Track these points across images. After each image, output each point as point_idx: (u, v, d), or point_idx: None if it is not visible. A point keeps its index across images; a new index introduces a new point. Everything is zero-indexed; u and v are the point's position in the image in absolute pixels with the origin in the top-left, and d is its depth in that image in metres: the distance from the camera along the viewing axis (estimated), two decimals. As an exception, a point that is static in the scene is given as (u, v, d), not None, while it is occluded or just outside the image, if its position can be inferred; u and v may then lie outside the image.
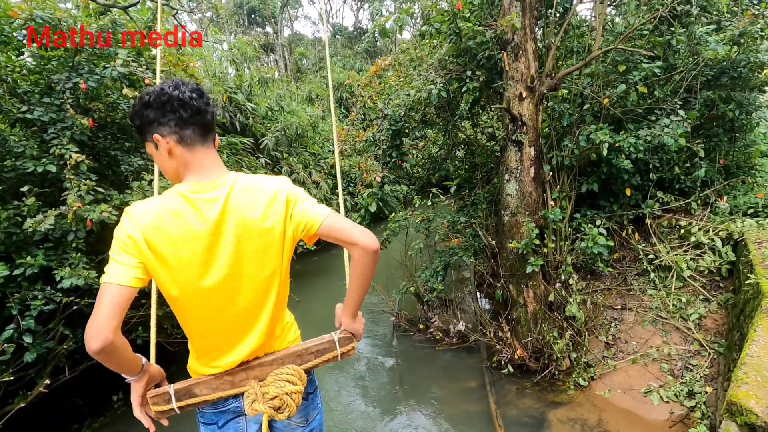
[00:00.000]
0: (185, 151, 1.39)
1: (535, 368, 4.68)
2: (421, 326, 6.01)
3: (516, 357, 4.73)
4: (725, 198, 5.74)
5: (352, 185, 12.81)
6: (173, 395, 1.43)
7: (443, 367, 5.37)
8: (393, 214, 5.90)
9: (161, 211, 1.32)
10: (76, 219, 3.67)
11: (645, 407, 4.03)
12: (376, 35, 5.10)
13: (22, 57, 4.71)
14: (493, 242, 5.19)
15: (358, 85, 6.16)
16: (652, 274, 5.23)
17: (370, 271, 1.45)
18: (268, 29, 31.02)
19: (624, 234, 5.37)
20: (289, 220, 1.41)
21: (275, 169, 11.48)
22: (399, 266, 6.67)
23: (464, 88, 4.90)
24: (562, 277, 4.81)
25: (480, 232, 5.28)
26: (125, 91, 4.44)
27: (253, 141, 11.21)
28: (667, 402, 4.00)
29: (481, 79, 4.96)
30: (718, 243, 5.12)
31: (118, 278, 1.26)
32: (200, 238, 1.33)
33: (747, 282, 3.93)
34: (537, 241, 4.60)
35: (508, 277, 4.95)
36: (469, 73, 4.95)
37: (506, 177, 4.91)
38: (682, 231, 5.50)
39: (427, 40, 5.52)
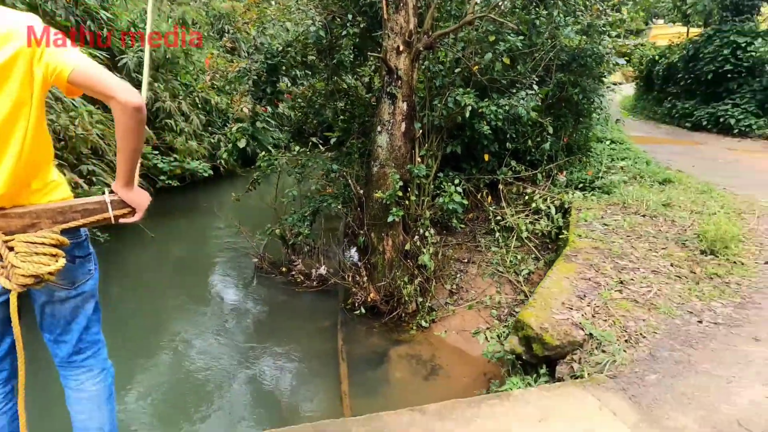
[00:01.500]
0: None
1: (385, 310, 5.03)
2: (284, 269, 6.03)
3: (369, 300, 5.02)
4: (564, 173, 6.60)
5: (228, 124, 12.03)
6: None
7: (301, 309, 5.50)
8: (262, 153, 5.71)
9: None
10: None
11: (472, 346, 4.60)
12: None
13: None
14: (361, 192, 5.33)
15: (237, 13, 5.69)
16: (498, 234, 5.85)
17: (133, 131, 1.36)
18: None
19: (479, 196, 5.91)
20: (38, 61, 1.28)
21: (137, 94, 10.24)
22: (269, 209, 6.55)
23: (344, 33, 4.82)
24: (420, 230, 5.16)
25: (350, 181, 5.39)
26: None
27: (109, 57, 9.79)
28: (488, 341, 4.62)
29: (361, 26, 4.92)
30: (553, 210, 5.89)
31: None
32: None
33: (560, 237, 4.64)
34: (400, 194, 4.84)
35: (371, 225, 5.16)
36: (350, 17, 4.87)
37: (378, 129, 5.03)
38: (527, 198, 6.23)
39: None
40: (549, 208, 5.98)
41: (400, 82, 4.87)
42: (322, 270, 5.62)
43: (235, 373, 4.35)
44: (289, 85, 6.94)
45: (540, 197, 6.14)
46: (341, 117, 6.14)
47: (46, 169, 1.47)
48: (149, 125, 9.95)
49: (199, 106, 11.21)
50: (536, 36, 5.69)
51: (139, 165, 1.56)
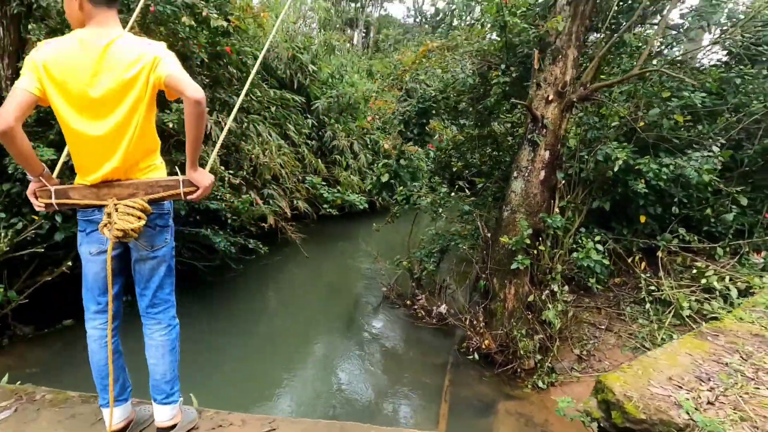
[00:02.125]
0: (92, 8, 1.72)
1: (499, 361, 4.77)
2: (408, 302, 6.20)
3: (483, 346, 4.84)
4: (763, 253, 5.44)
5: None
6: (53, 193, 1.82)
7: (416, 342, 5.56)
8: (401, 188, 6.08)
9: (59, 47, 1.69)
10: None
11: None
12: (447, 22, 5.24)
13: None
14: (489, 235, 5.27)
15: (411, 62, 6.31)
16: (648, 305, 5.13)
17: (196, 120, 1.71)
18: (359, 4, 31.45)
19: (631, 260, 5.29)
20: (152, 71, 1.72)
21: (319, 133, 11.86)
22: (403, 241, 6.88)
23: (494, 81, 4.97)
24: (550, 284, 4.85)
25: (479, 223, 5.37)
26: (184, 18, 4.83)
27: (306, 101, 11.62)
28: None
29: (513, 75, 5.01)
30: (733, 292, 4.92)
31: (24, 85, 1.66)
32: (83, 70, 1.69)
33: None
34: (528, 242, 4.66)
35: (494, 270, 5.04)
36: (503, 66, 5.01)
37: (515, 174, 4.97)
38: (696, 272, 5.33)
39: (477, 29, 5.60)
40: (728, 289, 5.01)
41: (545, 130, 4.78)
42: (443, 309, 5.63)
43: (344, 385, 4.63)
44: (442, 127, 7.35)
45: (716, 274, 5.19)
46: (484, 161, 6.21)
47: (152, 155, 1.91)
48: (323, 159, 11.40)
49: (369, 146, 12.45)
50: (734, 95, 5.01)
51: (214, 154, 1.93)
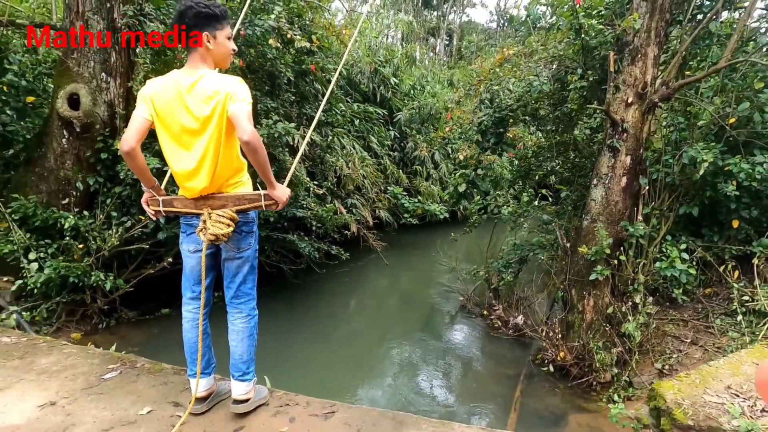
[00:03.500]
0: (188, 53, 2.15)
1: (574, 373, 4.63)
2: (485, 312, 6.20)
3: (559, 358, 4.72)
4: None
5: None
6: (161, 203, 2.26)
7: (490, 352, 5.55)
8: (477, 197, 6.12)
9: (160, 84, 2.10)
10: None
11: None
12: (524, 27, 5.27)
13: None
14: (568, 245, 5.13)
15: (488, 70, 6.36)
16: (741, 317, 4.67)
17: (251, 154, 2.01)
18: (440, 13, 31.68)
19: (723, 269, 4.86)
20: (225, 106, 2.03)
21: (401, 144, 12.19)
22: (482, 251, 6.88)
23: (571, 86, 4.88)
24: (632, 296, 4.62)
25: (558, 233, 5.25)
26: (271, 41, 5.36)
27: (388, 113, 12.03)
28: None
29: (591, 79, 4.88)
30: None
31: (141, 113, 2.07)
32: (176, 105, 2.06)
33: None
34: (608, 251, 4.49)
35: (573, 281, 4.89)
36: (579, 71, 4.90)
37: (594, 182, 4.81)
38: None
39: (552, 34, 5.51)
40: None
41: (625, 135, 4.59)
42: (519, 320, 5.56)
43: (414, 388, 4.77)
44: (527, 134, 7.25)
45: (830, 286, 4.61)
46: (566, 169, 6.05)
47: (238, 173, 2.26)
48: (404, 169, 11.69)
49: (450, 156, 12.51)
50: None
51: (289, 174, 2.39)
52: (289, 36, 5.39)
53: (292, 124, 5.49)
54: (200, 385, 2.34)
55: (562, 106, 5.52)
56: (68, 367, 2.88)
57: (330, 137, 7.85)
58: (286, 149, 5.89)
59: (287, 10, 5.97)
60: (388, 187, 10.63)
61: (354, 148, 9.50)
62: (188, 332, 2.36)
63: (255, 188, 2.33)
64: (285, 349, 5.33)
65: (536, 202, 6.64)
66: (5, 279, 4.90)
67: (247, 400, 2.35)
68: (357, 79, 11.40)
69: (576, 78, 5.04)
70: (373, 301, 7.91)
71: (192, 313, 2.36)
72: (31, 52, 5.76)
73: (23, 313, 4.71)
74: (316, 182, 6.76)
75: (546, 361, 4.84)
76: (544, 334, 5.06)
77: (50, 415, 2.37)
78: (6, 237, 4.75)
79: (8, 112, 5.36)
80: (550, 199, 7.01)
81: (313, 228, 6.57)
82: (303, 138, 6.41)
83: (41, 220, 4.79)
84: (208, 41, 2.09)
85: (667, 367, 4.44)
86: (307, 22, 6.87)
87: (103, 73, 5.08)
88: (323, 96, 7.28)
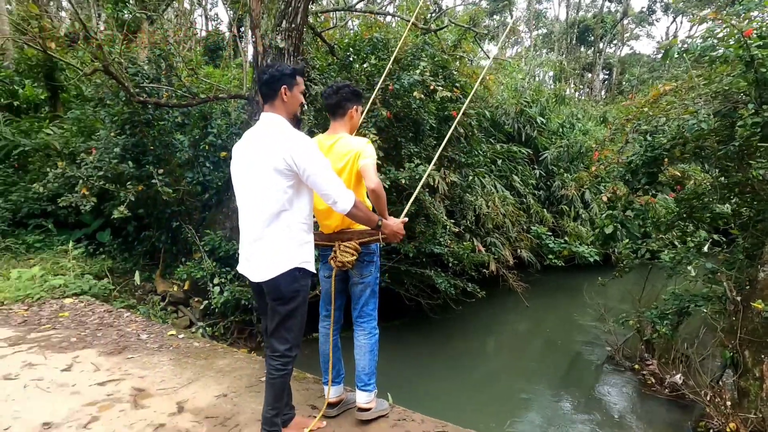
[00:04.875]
0: (331, 121, 2.72)
1: (747, 451, 3.95)
2: (636, 366, 5.63)
3: (728, 429, 4.08)
4: None
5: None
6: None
7: (642, 411, 5.00)
8: (626, 240, 5.67)
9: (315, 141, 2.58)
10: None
11: None
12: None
13: (364, 64, 6.79)
14: (739, 299, 4.47)
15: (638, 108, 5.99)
16: None
17: (375, 200, 2.50)
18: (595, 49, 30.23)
19: None
20: (356, 161, 2.52)
21: (548, 182, 11.82)
22: (634, 299, 6.29)
23: (739, 123, 4.39)
24: (831, 367, 3.83)
25: (726, 284, 4.60)
26: (415, 93, 5.89)
27: (534, 152, 11.83)
28: None
29: (766, 114, 4.33)
30: None
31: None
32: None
33: None
34: (791, 309, 3.83)
35: (746, 341, 4.24)
36: (751, 106, 4.38)
37: (773, 227, 4.19)
38: None
39: (717, 66, 5.02)
40: None
41: (814, 173, 3.96)
42: (677, 378, 4.94)
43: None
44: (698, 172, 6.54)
45: None
46: (737, 212, 5.29)
47: None
48: (550, 209, 11.28)
49: (606, 195, 11.67)
50: None
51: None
52: (431, 88, 5.87)
53: (432, 167, 5.88)
54: (331, 392, 2.75)
55: (729, 144, 4.93)
56: (237, 368, 3.55)
57: (471, 177, 8.09)
58: (426, 189, 6.29)
59: (432, 64, 6.52)
60: (532, 227, 10.35)
61: (495, 188, 9.56)
62: (322, 345, 2.80)
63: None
64: (417, 378, 5.55)
65: (705, 248, 5.88)
66: (196, 299, 6.12)
67: (369, 409, 2.68)
68: (501, 120, 11.52)
69: (747, 114, 4.51)
70: (511, 342, 7.71)
71: (325, 329, 2.79)
72: (226, 115, 7.21)
73: (207, 328, 5.80)
74: (453, 221, 7.00)
75: (711, 431, 4.21)
76: (708, 398, 4.42)
77: (222, 403, 2.99)
78: (198, 265, 5.97)
79: (207, 165, 6.78)
80: (723, 246, 6.13)
81: (450, 264, 6.78)
82: (444, 179, 6.78)
83: (224, 251, 5.91)
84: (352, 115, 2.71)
85: None
86: (454, 72, 7.34)
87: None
88: (465, 139, 7.61)
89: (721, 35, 4.72)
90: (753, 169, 5.03)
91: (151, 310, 5.92)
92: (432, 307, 7.09)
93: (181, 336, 4.34)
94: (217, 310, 5.71)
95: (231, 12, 16.18)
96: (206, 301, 5.84)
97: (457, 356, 6.55)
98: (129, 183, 5.94)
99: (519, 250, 9.61)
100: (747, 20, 4.73)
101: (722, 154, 5.09)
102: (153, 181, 5.85)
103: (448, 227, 6.49)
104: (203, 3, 21.41)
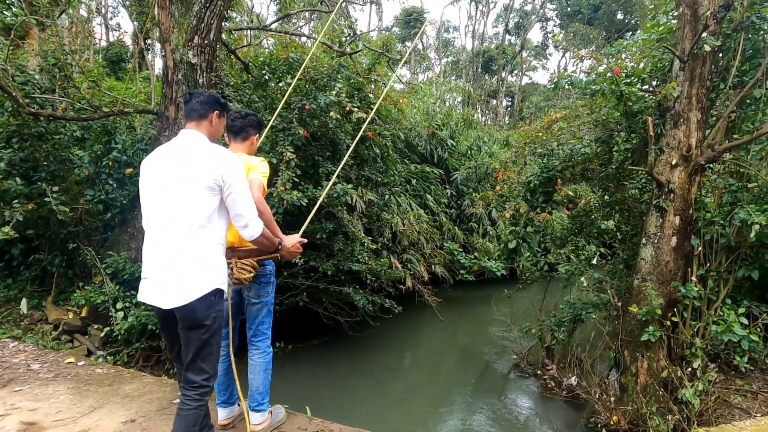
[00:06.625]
0: (230, 141, 2.83)
1: (629, 440, 4.46)
2: (539, 371, 6.11)
3: (612, 422, 4.58)
4: None
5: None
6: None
7: (544, 413, 5.44)
8: (527, 254, 6.22)
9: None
10: (278, 198, 5.26)
11: None
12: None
13: (280, 83, 6.82)
14: (619, 304, 5.08)
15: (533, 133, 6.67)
16: (821, 393, 4.36)
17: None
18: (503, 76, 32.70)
19: (797, 337, 4.57)
20: (249, 174, 2.62)
21: (458, 201, 12.50)
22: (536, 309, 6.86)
23: (614, 148, 5.05)
24: (691, 361, 4.46)
25: (609, 291, 5.22)
26: (332, 113, 6.02)
27: (445, 173, 12.49)
28: None
29: (635, 141, 5.03)
30: None
31: None
32: None
33: None
34: (659, 312, 4.43)
35: (625, 341, 4.82)
36: (623, 134, 5.08)
37: (644, 241, 4.83)
38: None
39: (596, 99, 5.75)
40: None
41: (672, 195, 4.65)
42: (572, 380, 5.45)
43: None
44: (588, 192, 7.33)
45: None
46: (618, 228, 6.05)
47: None
48: (461, 226, 11.91)
49: (509, 213, 12.60)
50: None
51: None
52: (347, 109, 6.04)
53: (350, 186, 6.02)
54: (224, 413, 2.78)
55: (608, 167, 5.65)
56: (146, 393, 3.37)
57: (387, 196, 8.35)
58: (344, 208, 6.41)
59: (348, 85, 6.71)
60: (445, 244, 10.85)
61: (410, 206, 9.93)
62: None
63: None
64: (338, 394, 5.58)
65: (594, 261, 6.61)
66: (96, 327, 5.64)
67: (262, 429, 2.72)
68: (415, 141, 12.05)
69: (621, 140, 5.20)
70: (427, 356, 7.98)
71: (223, 349, 2.73)
72: (131, 131, 6.81)
73: (108, 357, 5.36)
74: (370, 238, 7.17)
75: (599, 425, 4.70)
76: (597, 396, 4.94)
77: (131, 429, 2.83)
78: (99, 289, 5.52)
79: (111, 182, 6.32)
80: (609, 257, 6.94)
81: (368, 281, 6.91)
82: (361, 197, 6.95)
83: (129, 274, 5.53)
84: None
85: (730, 439, 4.18)
86: (369, 95, 7.61)
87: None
88: (381, 159, 7.87)
89: (601, 70, 5.42)
90: (628, 189, 5.80)
91: (41, 340, 5.33)
92: (351, 324, 7.15)
93: (81, 363, 3.99)
94: (120, 337, 5.29)
95: (136, 23, 15.34)
96: (107, 328, 5.40)
97: (377, 371, 6.67)
98: (16, 201, 5.37)
99: (433, 266, 10.02)
100: (617, 59, 5.48)
101: (603, 176, 5.81)
102: (46, 199, 5.34)
103: (366, 244, 6.63)
104: (102, 11, 19.98)
